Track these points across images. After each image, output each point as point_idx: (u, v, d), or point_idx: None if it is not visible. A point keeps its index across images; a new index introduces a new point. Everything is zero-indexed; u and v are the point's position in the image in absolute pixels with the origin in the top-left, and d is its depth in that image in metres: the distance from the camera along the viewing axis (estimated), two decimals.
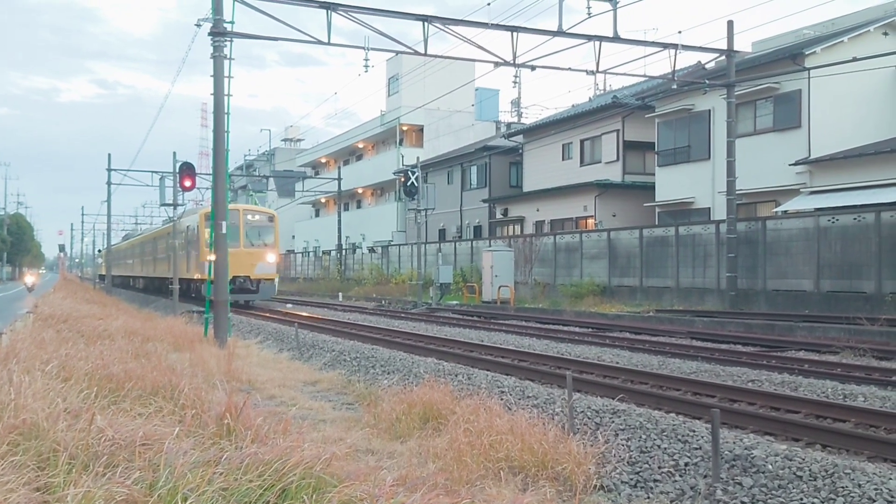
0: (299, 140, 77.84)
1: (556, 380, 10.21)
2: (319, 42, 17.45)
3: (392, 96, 54.17)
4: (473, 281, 31.48)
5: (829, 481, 5.43)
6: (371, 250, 47.19)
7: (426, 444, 6.39)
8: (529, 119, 50.97)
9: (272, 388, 9.69)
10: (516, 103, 55.24)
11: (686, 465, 6.09)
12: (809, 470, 5.61)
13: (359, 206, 60.27)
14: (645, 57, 36.16)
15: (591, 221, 32.10)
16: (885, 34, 24.79)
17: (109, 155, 41.34)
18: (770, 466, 5.73)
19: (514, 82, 31.28)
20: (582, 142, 34.70)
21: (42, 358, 7.47)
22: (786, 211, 23.10)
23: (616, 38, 19.36)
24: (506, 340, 16.11)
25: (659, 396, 9.02)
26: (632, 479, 5.94)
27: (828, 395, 9.18)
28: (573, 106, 42.26)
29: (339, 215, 50.00)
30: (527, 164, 39.06)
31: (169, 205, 26.86)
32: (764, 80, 24.26)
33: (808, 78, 23.29)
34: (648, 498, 5.67)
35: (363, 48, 17.49)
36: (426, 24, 17.88)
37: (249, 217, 28.37)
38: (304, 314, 25.09)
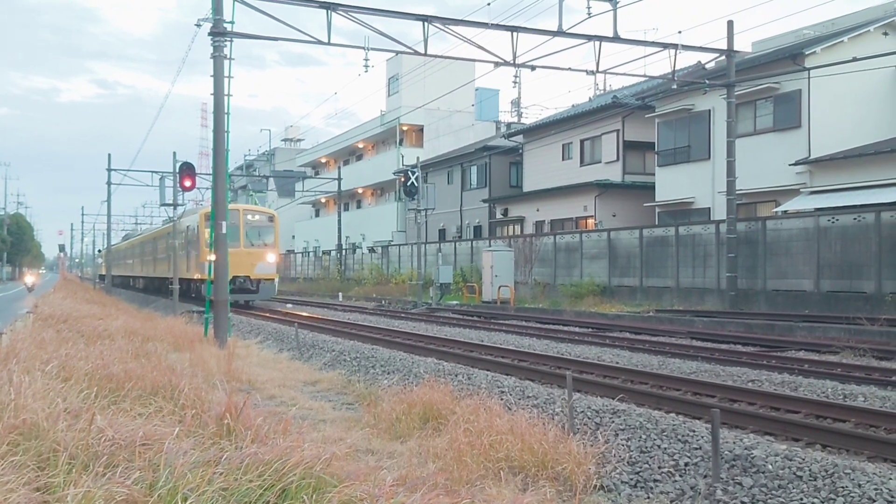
0: (299, 140, 77.86)
1: (556, 380, 10.22)
2: (319, 42, 17.45)
3: (392, 96, 54.17)
4: (473, 281, 31.48)
5: (829, 481, 5.43)
6: (371, 250, 47.19)
7: (426, 444, 6.39)
8: (529, 119, 51.01)
9: (272, 388, 9.69)
10: (516, 103, 55.26)
11: (686, 465, 6.09)
12: (809, 470, 5.61)
13: (359, 206, 60.28)
14: (645, 57, 36.15)
15: (591, 221, 32.10)
16: (885, 34, 24.80)
17: (109, 155, 41.39)
18: (770, 466, 5.73)
19: (514, 82, 31.25)
20: (582, 142, 34.70)
21: (42, 358, 7.47)
22: (786, 211, 23.10)
23: (616, 38, 19.36)
24: (506, 340, 16.11)
25: (659, 396, 9.02)
26: (632, 479, 5.94)
27: (828, 395, 9.18)
28: (573, 106, 42.26)
29: (339, 215, 50.01)
30: (527, 164, 39.06)
31: (169, 205, 26.84)
32: (764, 80, 24.27)
33: (808, 78, 23.30)
34: (648, 498, 5.67)
35: (363, 48, 17.50)
36: (426, 24, 17.88)
37: (249, 217, 28.30)
38: (304, 314, 25.09)
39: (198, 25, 15.56)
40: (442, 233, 44.92)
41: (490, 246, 31.31)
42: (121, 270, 54.97)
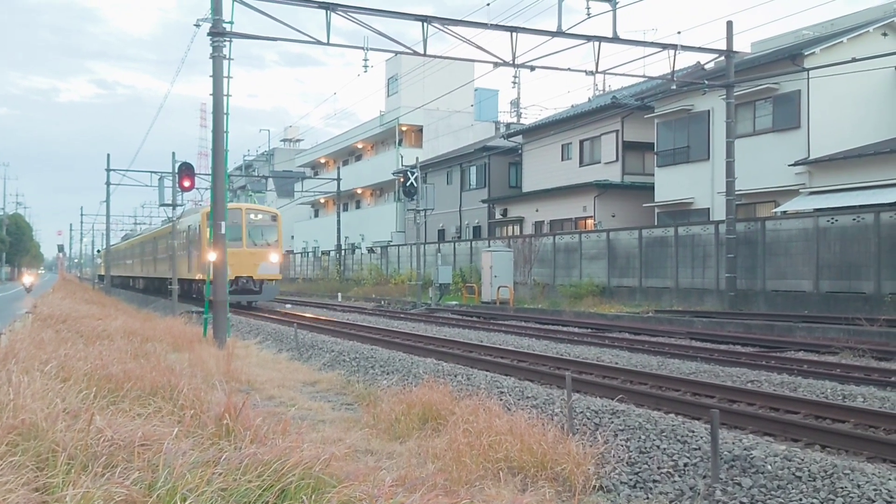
0: (298, 140, 77.85)
1: (555, 380, 10.22)
2: (319, 42, 17.45)
3: (391, 96, 54.18)
4: (473, 281, 31.48)
5: (829, 482, 5.43)
6: (370, 251, 47.20)
7: (425, 444, 6.39)
8: (529, 119, 51.02)
9: (271, 389, 9.68)
10: (515, 103, 55.27)
11: (685, 465, 6.09)
12: (809, 470, 5.61)
13: (358, 207, 60.28)
14: (644, 57, 35.99)
15: (590, 222, 32.11)
16: (885, 35, 24.82)
17: (108, 155, 41.35)
18: (769, 467, 5.73)
19: (514, 83, 31.21)
20: (581, 142, 34.71)
21: (41, 358, 7.47)
22: (785, 211, 23.11)
23: (615, 39, 19.37)
24: (505, 341, 16.11)
25: (658, 397, 9.03)
26: (631, 480, 5.94)
27: (827, 395, 9.19)
28: (572, 106, 42.26)
29: (339, 216, 50.01)
30: (526, 165, 39.07)
31: (168, 205, 26.76)
32: (763, 81, 24.27)
33: (808, 78, 23.31)
34: (647, 498, 5.67)
35: (362, 48, 17.49)
36: (425, 24, 17.88)
37: (252, 216, 27.97)
38: (304, 314, 25.08)
39: (197, 25, 15.55)
40: (441, 233, 44.92)
41: (489, 246, 31.32)
42: (120, 271, 54.91)
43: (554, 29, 18.83)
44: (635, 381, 10.31)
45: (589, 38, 19.22)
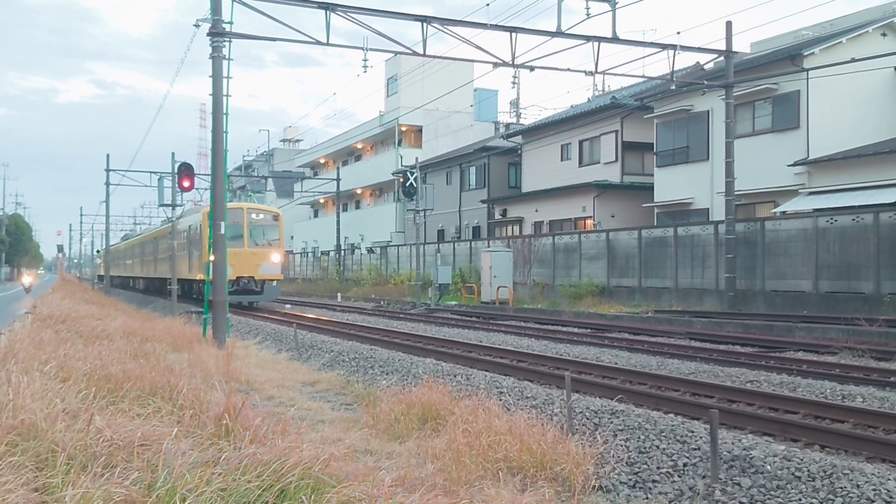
0: (298, 140, 77.84)
1: (554, 380, 10.21)
2: (318, 42, 17.45)
3: (391, 97, 54.18)
4: (472, 281, 31.48)
5: (828, 482, 5.43)
6: (370, 251, 47.19)
7: (425, 444, 6.39)
8: (528, 120, 51.02)
9: (271, 389, 9.68)
10: (515, 104, 55.28)
11: (685, 465, 6.09)
12: (808, 470, 5.61)
13: (357, 207, 60.28)
14: (644, 58, 35.89)
15: (589, 222, 32.11)
16: (884, 35, 24.83)
17: (108, 155, 41.34)
18: (769, 467, 5.74)
19: (513, 83, 31.23)
20: (581, 142, 34.71)
21: (40, 358, 7.47)
22: (784, 212, 23.11)
23: (615, 39, 19.37)
24: (504, 341, 16.11)
25: (657, 397, 9.03)
26: (630, 480, 5.94)
27: (826, 395, 9.19)
28: (572, 106, 42.27)
29: (338, 216, 50.00)
30: (525, 165, 39.07)
31: (168, 205, 26.74)
32: (763, 81, 24.28)
33: (807, 79, 23.32)
34: (647, 498, 5.67)
35: (362, 49, 17.50)
36: (425, 24, 17.89)
37: (253, 216, 27.73)
38: (303, 314, 25.07)
39: (196, 26, 15.55)
40: (441, 233, 44.92)
41: (489, 246, 31.32)
42: (120, 271, 54.88)
43: (553, 29, 18.84)
44: (635, 382, 10.32)
45: (588, 39, 19.23)
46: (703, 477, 5.83)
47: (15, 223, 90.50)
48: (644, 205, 30.24)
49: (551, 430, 6.24)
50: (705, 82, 23.75)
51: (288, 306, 30.59)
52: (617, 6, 18.73)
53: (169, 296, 26.19)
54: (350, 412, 8.49)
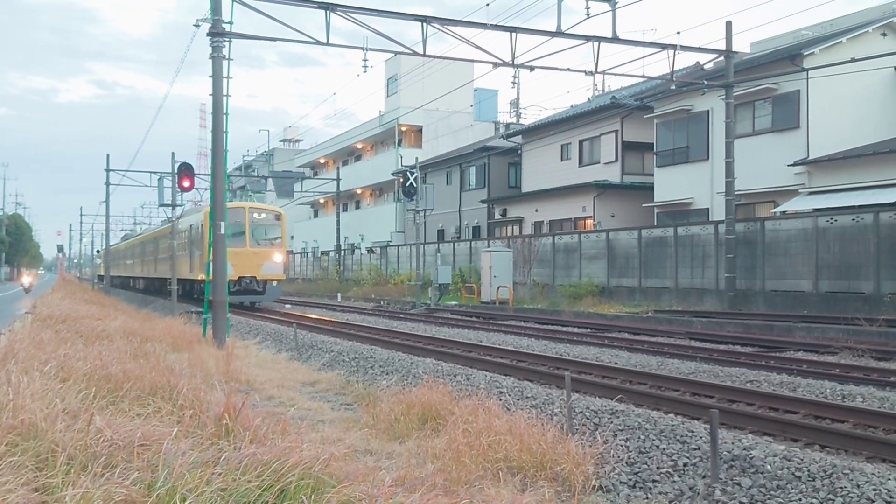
0: (298, 140, 77.84)
1: (554, 380, 10.21)
2: (318, 42, 17.45)
3: (391, 97, 54.18)
4: (472, 281, 31.48)
5: (828, 482, 5.43)
6: (370, 251, 47.19)
7: (425, 444, 6.39)
8: (528, 120, 51.02)
9: (271, 389, 9.68)
10: (515, 104, 55.27)
11: (685, 465, 6.09)
12: (808, 470, 5.61)
13: (357, 207, 60.27)
14: (644, 57, 35.91)
15: (589, 222, 32.12)
16: (884, 35, 24.83)
17: (108, 155, 41.34)
18: (769, 467, 5.74)
19: (513, 83, 31.30)
20: (581, 142, 34.71)
21: (40, 358, 7.47)
22: (784, 211, 23.12)
23: (615, 39, 19.37)
24: (504, 341, 16.11)
25: (658, 397, 9.03)
26: (630, 480, 5.94)
27: (826, 395, 9.19)
28: (572, 106, 42.28)
29: (338, 216, 49.99)
30: (525, 165, 39.07)
31: (168, 205, 26.71)
32: (762, 81, 24.28)
33: (807, 79, 23.32)
34: (647, 498, 5.67)
35: (362, 49, 17.50)
36: (425, 24, 17.89)
37: (255, 215, 27.51)
38: (303, 314, 25.06)
39: (196, 26, 15.55)
40: (440, 233, 44.92)
41: (489, 246, 31.32)
42: (120, 271, 54.86)
43: (553, 29, 18.84)
44: (635, 381, 10.32)
45: (588, 39, 19.23)
46: (704, 477, 5.83)
47: (15, 223, 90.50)
48: (644, 205, 30.24)
49: (551, 430, 6.24)
50: (705, 82, 23.75)
51: (288, 306, 30.58)
52: (617, 6, 18.73)
53: (169, 296, 26.15)
54: (350, 412, 8.49)
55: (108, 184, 41.23)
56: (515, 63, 19.01)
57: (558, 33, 18.80)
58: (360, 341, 15.86)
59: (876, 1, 29.04)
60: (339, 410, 8.61)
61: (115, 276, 52.23)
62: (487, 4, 21.98)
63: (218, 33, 14.95)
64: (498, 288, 28.22)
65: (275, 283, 27.31)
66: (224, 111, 15.14)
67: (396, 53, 21.36)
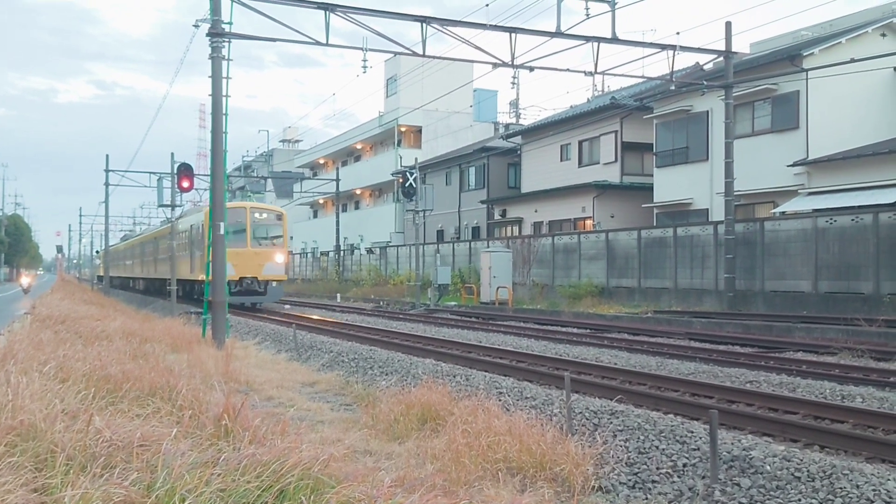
0: (297, 141, 77.84)
1: (554, 381, 10.21)
2: (317, 43, 17.45)
3: (390, 97, 54.18)
4: (472, 282, 31.48)
5: (828, 482, 5.43)
6: (369, 251, 47.18)
7: (424, 444, 6.39)
8: (528, 120, 51.04)
9: (270, 389, 9.67)
10: (515, 104, 55.29)
11: (684, 465, 6.09)
12: (808, 471, 5.61)
13: (357, 207, 60.27)
14: (643, 58, 36.00)
15: (589, 222, 32.11)
16: (883, 35, 24.83)
17: (107, 156, 41.30)
18: (768, 467, 5.74)
19: (513, 83, 31.21)
20: (580, 143, 34.72)
21: (40, 359, 7.46)
22: (784, 212, 23.12)
23: (614, 40, 19.38)
24: (504, 341, 16.11)
25: (657, 397, 9.03)
26: (630, 480, 5.94)
27: (826, 395, 9.19)
28: (571, 107, 42.29)
29: (338, 216, 49.98)
30: (525, 166, 39.07)
31: (167, 206, 26.68)
32: (762, 82, 24.29)
33: (807, 79, 23.32)
34: (647, 499, 5.67)
35: (361, 49, 17.51)
36: (424, 25, 17.89)
37: (257, 215, 27.32)
38: (302, 315, 25.05)
39: (196, 26, 15.55)
40: (440, 234, 44.92)
41: (488, 247, 31.32)
42: (119, 271, 54.83)
43: (553, 29, 18.84)
44: (634, 382, 10.32)
45: (588, 39, 19.24)
46: (703, 477, 5.83)
47: (14, 224, 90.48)
48: (643, 205, 30.24)
49: (551, 431, 6.24)
50: (705, 83, 23.75)
51: (287, 307, 30.56)
52: (616, 6, 18.74)
53: (169, 296, 26.10)
54: (349, 413, 8.48)
55: (107, 184, 41.21)
56: (515, 63, 19.01)
57: (558, 34, 18.80)
58: (360, 342, 15.86)
59: (875, 1, 29.07)
60: (338, 411, 8.60)
61: (114, 277, 52.21)
62: (487, 5, 21.99)
63: (217, 34, 14.94)
64: (497, 288, 28.22)
65: (276, 284, 27.12)
66: (223, 111, 15.14)
67: (396, 54, 21.36)
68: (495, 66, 19.31)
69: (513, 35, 18.70)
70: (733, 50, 22.17)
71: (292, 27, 16.78)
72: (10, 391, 5.34)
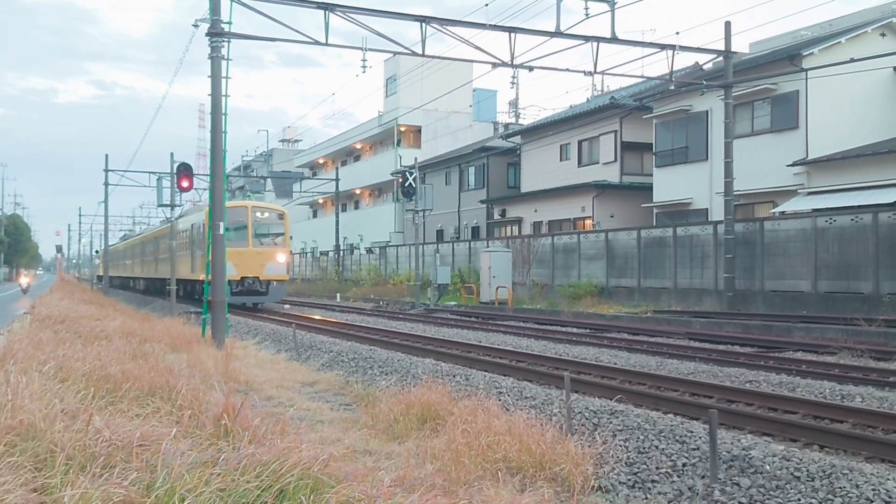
0: (297, 141, 77.82)
1: (553, 380, 10.21)
2: (317, 43, 17.45)
3: (390, 97, 54.18)
4: (471, 282, 31.48)
5: (827, 482, 5.43)
6: (369, 251, 47.18)
7: (424, 444, 6.39)
8: (527, 120, 51.05)
9: (270, 389, 9.67)
10: (514, 104, 55.28)
11: (684, 465, 6.09)
12: (807, 470, 5.61)
13: (356, 207, 60.26)
14: (643, 58, 36.15)
15: (588, 222, 32.12)
16: (883, 35, 24.83)
17: (107, 156, 41.27)
18: (768, 467, 5.74)
19: (512, 83, 31.28)
20: (580, 142, 34.72)
21: (39, 359, 7.46)
22: (783, 212, 23.12)
23: (614, 39, 19.38)
24: (504, 341, 16.11)
25: (657, 397, 9.03)
26: (630, 480, 5.94)
27: (825, 395, 9.19)
28: (571, 107, 42.28)
29: (337, 216, 49.98)
30: (525, 165, 39.07)
31: (167, 205, 26.65)
32: (761, 81, 24.28)
33: (806, 79, 23.32)
34: (646, 498, 5.67)
35: (361, 49, 17.51)
36: (424, 24, 17.89)
37: (258, 215, 27.13)
38: (302, 315, 25.03)
39: (195, 26, 15.55)
40: (440, 233, 44.92)
41: (488, 247, 31.32)
42: (119, 271, 54.79)
43: (552, 29, 18.84)
44: (634, 382, 10.32)
45: (587, 39, 19.23)
46: (703, 477, 5.83)
47: (14, 223, 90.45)
48: (643, 205, 30.25)
49: (550, 431, 6.24)
50: (704, 82, 23.75)
51: (287, 307, 30.52)
52: (616, 6, 18.74)
53: (169, 296, 26.04)
54: (349, 412, 8.48)
55: (106, 184, 41.19)
56: (514, 63, 19.01)
57: (557, 33, 18.80)
58: (360, 341, 15.86)
59: (875, 1, 29.07)
60: (338, 411, 8.60)
61: (113, 277, 52.18)
62: (486, 4, 22.01)
63: (217, 33, 14.94)
64: (497, 288, 28.21)
65: (278, 284, 26.96)
66: (223, 111, 15.14)
67: (395, 54, 21.36)
68: (495, 65, 19.31)
69: (512, 35, 18.69)
70: (733, 50, 22.16)
71: (292, 27, 16.79)
72: (9, 391, 5.34)
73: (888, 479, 5.38)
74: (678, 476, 5.94)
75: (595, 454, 6.07)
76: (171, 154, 27.21)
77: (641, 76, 24.44)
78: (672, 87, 23.58)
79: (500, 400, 8.24)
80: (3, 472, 3.81)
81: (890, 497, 5.16)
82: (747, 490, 5.50)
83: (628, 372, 10.95)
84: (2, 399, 5.16)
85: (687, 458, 6.19)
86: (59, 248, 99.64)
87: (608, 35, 19.29)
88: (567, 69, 20.35)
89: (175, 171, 22.70)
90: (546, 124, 37.66)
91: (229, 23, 15.16)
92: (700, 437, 6.48)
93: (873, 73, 22.97)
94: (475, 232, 41.57)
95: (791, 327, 16.57)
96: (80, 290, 39.87)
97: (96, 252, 76.67)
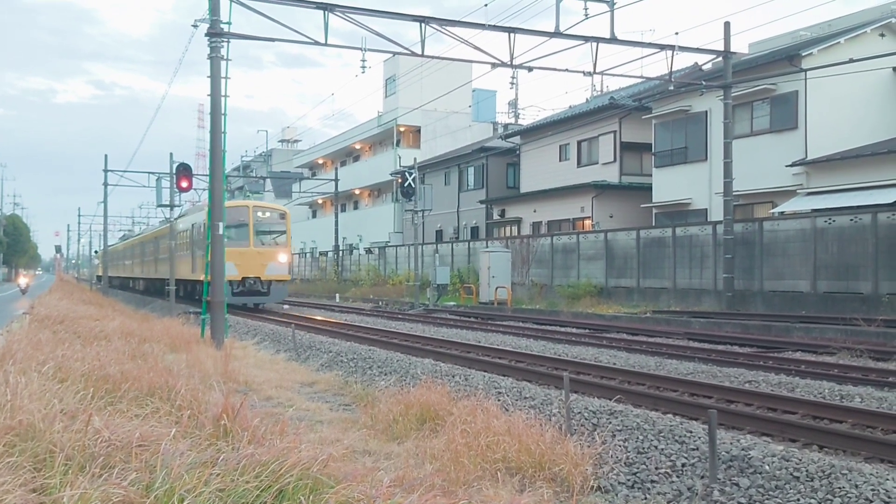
0: (296, 141, 77.82)
1: (553, 381, 10.20)
2: (316, 43, 17.45)
3: (389, 97, 54.18)
4: (470, 282, 31.48)
5: (826, 482, 5.43)
6: (368, 251, 47.17)
7: (423, 444, 6.39)
8: (526, 120, 51.07)
9: (269, 389, 9.67)
10: (513, 104, 55.29)
11: (683, 465, 6.09)
12: (806, 471, 5.61)
13: (356, 207, 60.25)
14: (642, 58, 36.29)
15: (588, 222, 32.12)
16: (882, 35, 24.85)
17: (106, 156, 41.21)
18: (767, 467, 5.74)
19: (512, 83, 31.23)
20: (579, 143, 34.72)
21: (38, 359, 7.45)
22: (783, 212, 23.13)
23: (613, 40, 19.38)
24: (503, 341, 16.11)
25: (656, 397, 9.03)
26: (629, 480, 5.94)
27: (825, 395, 9.19)
28: (570, 107, 42.31)
29: (337, 216, 49.97)
30: (524, 166, 39.08)
31: (166, 206, 26.64)
32: (761, 82, 24.29)
33: (805, 79, 23.33)
34: (646, 499, 5.67)
35: (360, 49, 17.52)
36: (423, 25, 17.89)
37: (259, 214, 26.99)
38: (301, 315, 25.02)
39: (195, 26, 15.56)
40: (439, 234, 44.92)
41: (487, 247, 31.32)
42: (118, 271, 54.74)
43: (552, 30, 18.84)
44: (633, 382, 10.32)
45: (587, 39, 19.23)
46: (702, 477, 5.83)
47: (13, 224, 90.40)
48: (642, 205, 30.25)
49: (550, 431, 6.24)
50: (703, 83, 23.76)
51: (286, 307, 30.50)
52: (615, 6, 18.74)
53: (168, 296, 25.98)
54: (348, 413, 8.48)
55: (106, 184, 41.14)
56: (514, 63, 19.01)
57: (557, 34, 18.80)
58: (359, 342, 15.85)
59: (874, 1, 29.08)
60: (337, 411, 8.60)
61: (113, 277, 52.13)
62: (486, 5, 22.01)
63: (216, 34, 14.94)
64: (496, 288, 28.21)
65: (280, 284, 26.82)
66: (222, 111, 15.14)
67: (395, 54, 21.36)
68: (494, 66, 19.31)
69: (511, 35, 18.70)
70: (732, 50, 22.17)
71: (291, 27, 16.78)
72: (8, 391, 5.34)
73: (887, 480, 5.38)
74: (677, 476, 5.94)
75: (594, 454, 6.08)
76: (171, 154, 27.22)
77: (641, 76, 24.44)
78: (671, 88, 23.60)
79: (499, 400, 8.24)
80: (2, 472, 3.80)
81: (889, 497, 5.16)
82: (746, 490, 5.50)
83: (627, 372, 10.95)
84: (1, 399, 5.16)
85: (686, 458, 6.19)
86: (58, 249, 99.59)
87: (607, 35, 19.30)
88: (566, 69, 20.37)
89: (174, 171, 22.71)
90: (545, 124, 37.67)
91: (228, 23, 15.17)
92: (699, 438, 6.48)
93: (872, 74, 22.98)
94: (474, 232, 41.57)
95: (790, 327, 16.57)
96: (79, 291, 39.85)
97: (95, 252, 76.67)
